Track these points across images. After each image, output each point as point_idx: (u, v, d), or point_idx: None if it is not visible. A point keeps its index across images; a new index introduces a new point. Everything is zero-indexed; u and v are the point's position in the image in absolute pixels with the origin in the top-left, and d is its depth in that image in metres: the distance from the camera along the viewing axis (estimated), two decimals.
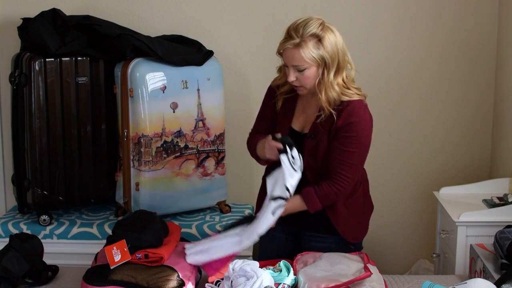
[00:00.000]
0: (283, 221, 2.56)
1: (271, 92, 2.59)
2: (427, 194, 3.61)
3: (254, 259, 2.80)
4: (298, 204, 2.45)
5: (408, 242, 3.82)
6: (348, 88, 2.42)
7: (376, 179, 3.75)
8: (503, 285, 2.19)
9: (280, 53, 2.41)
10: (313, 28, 2.33)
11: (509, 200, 2.99)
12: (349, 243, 2.60)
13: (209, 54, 3.35)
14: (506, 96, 3.49)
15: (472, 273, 2.55)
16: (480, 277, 2.40)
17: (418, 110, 3.69)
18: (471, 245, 2.60)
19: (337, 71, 2.37)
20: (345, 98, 2.40)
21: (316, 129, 2.44)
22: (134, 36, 3.21)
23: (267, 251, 2.60)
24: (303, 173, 2.45)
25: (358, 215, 2.61)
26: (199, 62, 3.28)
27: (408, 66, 3.65)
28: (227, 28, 3.62)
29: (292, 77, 2.37)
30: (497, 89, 3.61)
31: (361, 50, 3.64)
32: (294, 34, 2.32)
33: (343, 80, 2.40)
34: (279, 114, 2.55)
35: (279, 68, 2.54)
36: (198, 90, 3.27)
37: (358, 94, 2.44)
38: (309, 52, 2.32)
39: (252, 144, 2.62)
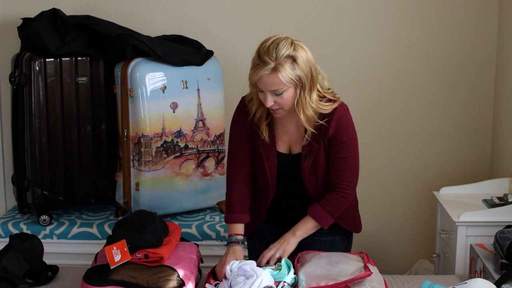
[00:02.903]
0: (282, 224, 2.55)
1: (243, 124, 2.49)
2: (427, 194, 3.61)
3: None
4: (311, 225, 2.46)
5: (408, 242, 3.82)
6: (324, 97, 2.39)
7: (376, 179, 3.76)
8: (503, 285, 2.19)
9: (252, 83, 2.34)
10: (286, 49, 2.27)
11: (509, 200, 2.99)
12: (350, 234, 2.64)
13: (209, 54, 3.35)
14: (506, 96, 3.48)
15: (472, 273, 2.55)
16: (480, 277, 2.40)
17: (418, 110, 3.69)
18: (471, 245, 2.60)
19: (312, 87, 2.34)
20: (326, 109, 2.37)
21: (310, 146, 2.42)
22: (134, 36, 3.21)
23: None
24: (303, 194, 2.47)
25: (354, 206, 2.63)
26: (199, 62, 3.28)
27: (408, 66, 3.65)
28: (227, 28, 3.62)
29: (270, 102, 2.31)
30: (497, 89, 3.61)
31: (360, 49, 3.64)
32: (268, 59, 2.26)
33: (318, 91, 2.38)
34: (258, 142, 2.47)
35: (250, 99, 2.45)
36: (198, 90, 3.27)
37: (334, 101, 2.41)
38: (287, 74, 2.26)
39: (232, 205, 2.52)
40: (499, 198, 3.05)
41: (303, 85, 2.31)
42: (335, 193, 2.44)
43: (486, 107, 3.66)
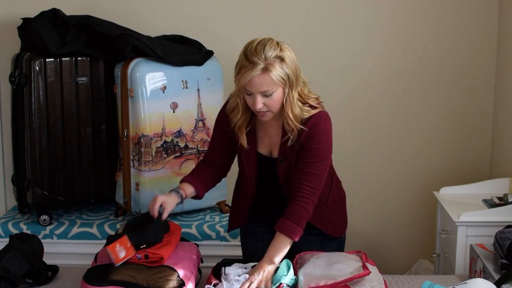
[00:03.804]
0: (269, 223, 2.53)
1: (224, 124, 2.49)
2: (427, 194, 3.61)
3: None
4: (285, 245, 2.35)
5: (408, 242, 3.82)
6: (306, 102, 2.38)
7: (376, 179, 3.76)
8: (503, 285, 2.19)
9: (240, 87, 2.31)
10: (273, 50, 2.27)
11: (509, 200, 2.99)
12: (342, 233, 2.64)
13: (209, 54, 3.35)
14: (506, 96, 3.48)
15: (472, 273, 2.55)
16: (480, 277, 2.40)
17: (418, 109, 3.69)
18: (471, 245, 2.60)
19: (297, 86, 2.34)
20: (305, 114, 2.36)
21: (286, 151, 2.42)
22: (134, 36, 3.21)
23: (256, 255, 2.55)
24: (283, 196, 2.45)
25: (338, 210, 2.62)
26: (199, 62, 3.28)
27: (408, 65, 3.65)
28: (227, 28, 3.62)
29: (259, 105, 2.30)
30: (497, 89, 3.61)
31: (360, 48, 3.64)
32: (257, 59, 2.25)
33: (299, 95, 2.37)
34: (240, 142, 2.47)
35: (233, 108, 2.44)
36: (198, 90, 3.27)
37: (316, 107, 2.39)
38: (278, 73, 2.26)
39: (191, 172, 2.56)
40: (499, 198, 3.05)
41: (291, 84, 2.31)
42: (296, 203, 2.36)
43: (486, 107, 3.66)
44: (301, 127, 2.37)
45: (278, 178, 2.46)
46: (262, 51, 2.26)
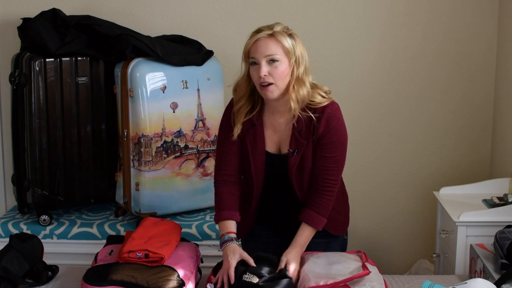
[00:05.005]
0: (276, 228, 2.54)
1: (231, 125, 2.47)
2: (427, 194, 3.61)
3: None
4: (309, 232, 2.42)
5: (408, 242, 3.82)
6: (320, 89, 2.41)
7: (375, 179, 3.76)
8: (503, 285, 2.19)
9: (246, 55, 2.35)
10: (282, 27, 2.34)
11: (509, 200, 2.99)
12: (345, 235, 2.65)
13: (209, 54, 3.36)
14: (506, 96, 3.48)
15: (472, 273, 2.55)
16: (480, 277, 2.40)
17: (417, 109, 3.69)
18: (471, 245, 2.60)
19: (306, 71, 2.36)
20: (316, 100, 2.37)
21: (298, 142, 2.40)
22: (134, 36, 3.21)
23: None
24: (292, 194, 2.45)
25: (341, 210, 2.61)
26: (199, 62, 3.28)
27: (408, 64, 3.64)
28: (227, 28, 3.62)
29: (264, 71, 2.30)
30: (497, 89, 3.61)
31: (356, 48, 3.64)
32: (265, 29, 2.33)
33: (311, 83, 2.39)
34: (247, 141, 2.45)
35: (236, 88, 2.46)
36: (198, 90, 3.28)
37: (326, 97, 2.41)
38: (284, 40, 2.30)
39: (220, 204, 2.48)
40: (499, 198, 3.05)
41: (297, 61, 2.33)
42: (321, 194, 2.41)
43: (486, 107, 3.65)
44: (311, 114, 2.36)
45: (288, 173, 2.43)
46: (270, 25, 2.34)
